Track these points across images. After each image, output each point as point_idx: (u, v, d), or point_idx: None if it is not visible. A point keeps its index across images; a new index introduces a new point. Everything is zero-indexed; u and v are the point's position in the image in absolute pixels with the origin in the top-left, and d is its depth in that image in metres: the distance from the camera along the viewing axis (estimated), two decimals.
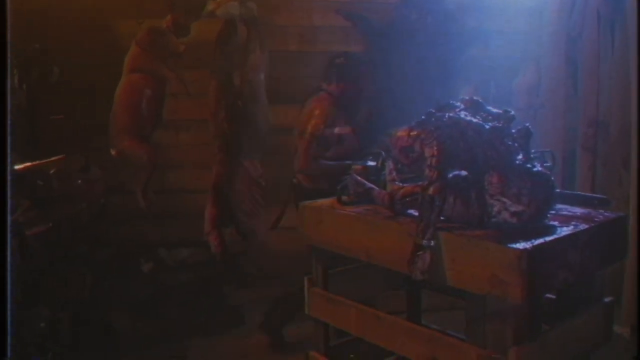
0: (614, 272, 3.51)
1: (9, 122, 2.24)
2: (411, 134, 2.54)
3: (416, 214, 2.36)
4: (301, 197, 3.44)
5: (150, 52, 4.35)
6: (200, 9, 4.37)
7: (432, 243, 2.17)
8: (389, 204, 2.55)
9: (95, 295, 3.57)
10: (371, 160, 3.01)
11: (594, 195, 2.69)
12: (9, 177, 2.25)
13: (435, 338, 2.31)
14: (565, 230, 2.16)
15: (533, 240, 1.99)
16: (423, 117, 2.48)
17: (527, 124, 2.35)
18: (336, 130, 3.85)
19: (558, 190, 2.34)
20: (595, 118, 4.45)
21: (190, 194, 4.74)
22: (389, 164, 2.78)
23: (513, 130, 2.34)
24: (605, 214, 2.41)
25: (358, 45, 5.06)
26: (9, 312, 2.18)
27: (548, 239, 2.04)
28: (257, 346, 3.98)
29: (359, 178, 2.83)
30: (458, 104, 2.47)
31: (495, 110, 2.40)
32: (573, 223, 2.25)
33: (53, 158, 3.75)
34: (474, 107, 2.44)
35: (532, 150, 2.34)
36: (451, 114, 2.35)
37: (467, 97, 2.50)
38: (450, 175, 2.26)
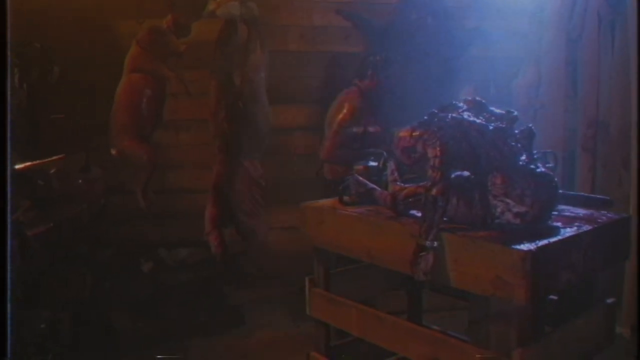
0: (614, 272, 3.51)
1: (9, 121, 2.23)
2: (413, 134, 2.53)
3: (419, 214, 2.35)
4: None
5: (150, 52, 4.34)
6: (201, 8, 4.36)
7: (435, 244, 2.16)
8: (391, 205, 2.54)
9: (95, 295, 3.56)
10: (373, 160, 3.00)
11: (597, 196, 2.68)
12: (9, 178, 2.24)
13: (438, 339, 2.30)
14: (568, 232, 2.15)
15: (537, 242, 1.98)
16: (425, 117, 2.47)
17: (530, 125, 2.35)
18: (362, 128, 3.95)
19: (560, 191, 2.34)
20: (595, 119, 4.45)
21: (190, 194, 4.73)
22: (391, 165, 2.77)
23: (516, 131, 2.34)
24: (609, 215, 2.41)
25: (358, 46, 5.06)
26: (9, 312, 2.17)
27: (552, 240, 2.03)
28: (257, 346, 3.97)
29: (361, 178, 2.82)
30: (461, 104, 2.46)
31: (498, 111, 2.39)
32: (576, 224, 2.25)
33: (53, 158, 3.74)
34: (476, 107, 2.43)
35: (534, 151, 2.34)
36: (454, 115, 2.34)
37: (469, 98, 2.49)
38: (453, 175, 2.26)
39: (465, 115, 2.34)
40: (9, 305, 2.17)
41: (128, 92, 4.32)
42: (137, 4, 4.45)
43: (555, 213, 2.31)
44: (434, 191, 2.18)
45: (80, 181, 3.65)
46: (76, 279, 3.31)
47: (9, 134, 2.24)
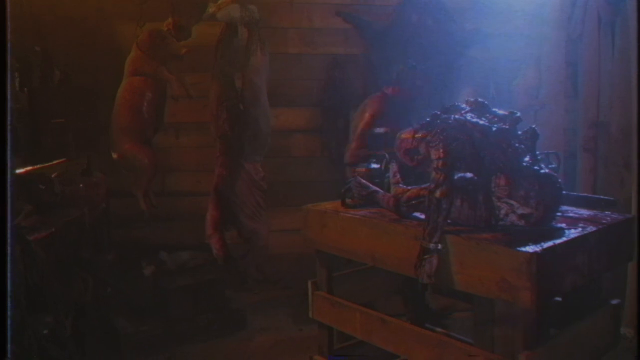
0: (616, 273, 3.50)
1: (9, 125, 2.22)
2: (416, 136, 2.53)
3: (422, 216, 2.35)
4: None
5: (151, 55, 4.32)
6: (201, 11, 4.35)
7: (440, 246, 2.15)
8: (395, 207, 2.53)
9: (97, 299, 3.55)
10: (375, 162, 3.00)
11: (601, 196, 2.67)
12: (9, 181, 2.24)
13: (443, 342, 2.29)
14: (573, 233, 2.15)
15: (542, 244, 1.97)
16: (428, 119, 2.47)
17: (534, 126, 2.34)
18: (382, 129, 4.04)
19: (564, 192, 2.33)
20: (595, 119, 4.45)
21: (191, 197, 4.72)
22: (393, 167, 2.77)
23: (519, 132, 2.34)
24: (613, 215, 2.40)
25: (358, 48, 5.06)
26: (9, 312, 2.16)
27: (557, 241, 2.03)
28: (260, 349, 3.96)
29: (363, 181, 2.82)
30: (463, 105, 2.46)
31: (501, 112, 2.39)
32: (581, 225, 2.24)
33: (54, 162, 3.73)
34: (479, 108, 2.42)
35: (537, 152, 2.33)
36: (457, 116, 2.34)
37: (472, 99, 2.48)
38: (456, 177, 2.25)
39: (468, 116, 2.34)
40: (9, 306, 2.16)
41: (129, 95, 4.30)
42: (138, 7, 4.44)
43: (559, 214, 2.30)
44: (437, 193, 2.17)
45: (81, 185, 3.63)
46: (78, 283, 3.29)
47: (9, 138, 2.24)
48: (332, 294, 2.83)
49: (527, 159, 2.24)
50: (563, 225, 2.23)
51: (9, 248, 2.21)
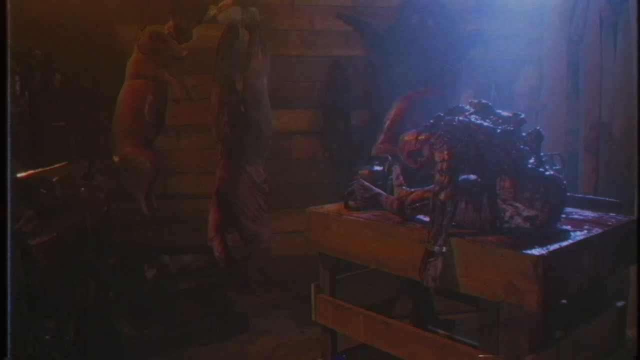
0: (620, 275, 3.48)
1: (8, 129, 2.21)
2: (419, 138, 2.52)
3: (426, 219, 2.34)
4: None
5: (152, 58, 4.30)
6: (202, 14, 4.33)
7: (444, 249, 2.14)
8: (398, 210, 2.53)
9: (99, 303, 3.53)
10: (377, 164, 2.98)
11: (605, 198, 2.66)
12: (9, 184, 2.23)
13: (447, 345, 2.28)
14: (579, 235, 2.14)
15: (548, 246, 1.96)
16: (431, 121, 2.46)
17: (538, 127, 2.33)
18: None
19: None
20: (597, 120, 4.43)
21: (193, 200, 4.71)
22: (396, 169, 2.76)
23: (523, 134, 2.32)
24: (618, 217, 2.39)
25: (359, 50, 5.05)
26: (9, 312, 2.16)
27: (563, 244, 2.02)
28: (262, 352, 3.95)
29: (366, 183, 2.81)
30: (467, 107, 2.45)
31: (505, 114, 2.38)
32: (586, 227, 2.24)
33: (56, 165, 3.71)
34: (483, 110, 2.41)
35: (542, 154, 2.32)
36: (461, 118, 2.33)
37: (476, 100, 2.47)
38: (460, 179, 2.24)
39: (473, 118, 2.33)
40: (9, 306, 2.15)
41: (130, 98, 4.28)
42: (139, 9, 4.43)
43: (564, 216, 2.29)
44: (442, 196, 2.16)
45: (83, 189, 3.61)
46: (80, 287, 3.28)
47: (9, 141, 2.23)
48: (335, 297, 2.82)
49: (531, 160, 2.23)
50: (568, 227, 2.22)
51: (9, 243, 2.20)
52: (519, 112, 2.37)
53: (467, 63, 4.85)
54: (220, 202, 4.31)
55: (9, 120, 2.20)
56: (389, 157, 2.90)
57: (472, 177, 2.27)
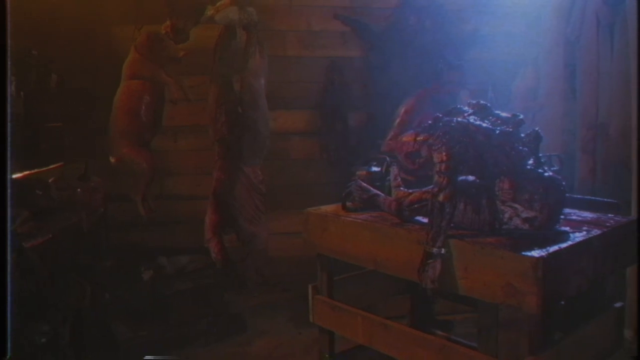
0: (617, 275, 3.48)
1: (8, 129, 2.20)
2: (417, 138, 2.51)
3: (424, 220, 2.33)
4: None
5: (149, 58, 4.29)
6: (199, 14, 4.32)
7: (443, 251, 2.13)
8: (397, 211, 2.52)
9: (95, 305, 3.52)
10: (375, 165, 2.97)
11: (604, 199, 2.66)
12: (9, 186, 2.21)
13: (446, 347, 2.27)
14: (578, 236, 2.13)
15: (548, 248, 1.96)
16: (429, 121, 2.45)
17: (537, 128, 2.33)
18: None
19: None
20: (594, 121, 4.43)
21: (190, 201, 4.70)
22: (394, 170, 2.75)
23: (522, 134, 2.32)
24: (616, 218, 2.39)
25: (357, 50, 5.05)
26: (9, 312, 2.14)
27: (563, 245, 2.01)
28: (259, 353, 3.94)
29: (364, 184, 2.80)
30: (466, 108, 2.44)
31: (503, 114, 2.37)
32: (585, 228, 2.23)
33: (51, 166, 3.70)
34: (481, 111, 2.41)
35: (540, 155, 2.31)
36: (460, 119, 2.32)
37: (474, 101, 2.47)
38: (458, 180, 2.23)
39: (471, 119, 2.32)
40: (9, 306, 2.14)
41: (127, 99, 4.27)
42: (135, 9, 4.42)
43: (562, 217, 2.28)
44: (441, 197, 2.15)
45: (79, 190, 3.59)
46: (76, 290, 3.26)
47: (9, 142, 2.22)
48: (333, 298, 2.81)
49: (530, 161, 2.22)
50: (567, 228, 2.22)
51: (9, 242, 2.19)
52: (518, 113, 2.36)
53: (464, 63, 4.84)
54: (218, 203, 4.30)
55: (8, 120, 2.19)
56: (387, 158, 2.89)
57: (471, 178, 2.27)
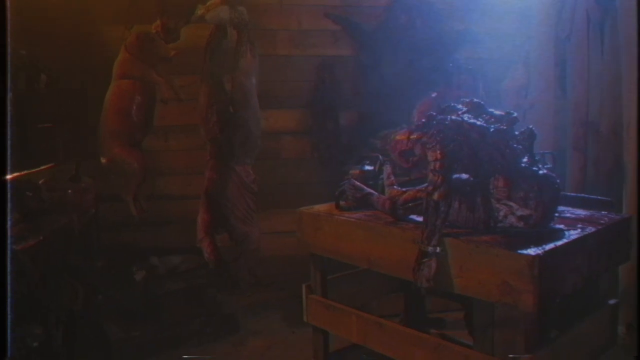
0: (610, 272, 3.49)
1: (8, 129, 2.18)
2: (411, 137, 2.51)
3: (418, 219, 2.32)
4: None
5: (139, 58, 4.26)
6: (190, 13, 4.30)
7: (438, 250, 2.13)
8: (391, 210, 2.51)
9: (88, 306, 3.49)
10: (368, 164, 2.97)
11: (598, 197, 2.67)
12: (8, 187, 2.19)
13: (441, 346, 2.27)
14: (573, 234, 2.13)
15: (544, 246, 1.96)
16: (423, 120, 2.44)
17: (531, 126, 2.33)
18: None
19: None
20: (585, 118, 4.44)
21: (181, 201, 4.69)
22: (387, 168, 2.74)
23: (516, 132, 2.32)
24: (610, 215, 2.40)
25: (347, 49, 5.05)
26: (8, 312, 2.12)
27: (558, 243, 2.01)
28: (253, 353, 3.93)
29: (357, 183, 2.79)
30: (460, 106, 2.44)
31: (497, 112, 2.37)
32: (579, 226, 2.23)
33: (42, 167, 3.67)
34: (475, 109, 2.40)
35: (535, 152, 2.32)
36: (454, 117, 2.32)
37: (467, 99, 2.47)
38: (453, 178, 2.22)
39: (465, 117, 2.32)
40: (8, 306, 2.12)
41: (117, 99, 4.23)
42: (126, 9, 4.39)
43: (556, 215, 2.29)
44: (435, 196, 2.15)
45: (70, 191, 3.56)
46: (68, 291, 3.23)
47: (9, 143, 2.20)
48: (327, 297, 2.81)
49: (525, 159, 2.22)
50: (562, 226, 2.22)
51: (8, 247, 2.17)
52: (511, 111, 2.36)
53: (454, 62, 4.85)
54: (209, 202, 4.28)
55: (8, 120, 2.17)
56: (380, 157, 2.89)
57: (465, 176, 2.26)
